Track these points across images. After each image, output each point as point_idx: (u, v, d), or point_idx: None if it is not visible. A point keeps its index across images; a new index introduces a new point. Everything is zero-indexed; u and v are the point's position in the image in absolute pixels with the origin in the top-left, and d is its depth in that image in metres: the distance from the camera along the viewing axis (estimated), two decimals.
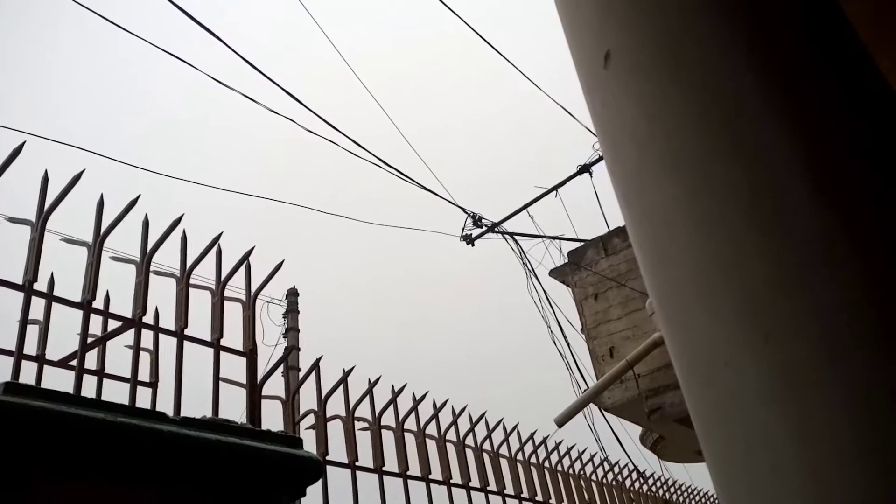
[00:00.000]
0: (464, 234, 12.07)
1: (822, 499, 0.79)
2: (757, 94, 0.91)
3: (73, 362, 2.14)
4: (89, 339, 2.14)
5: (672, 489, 6.76)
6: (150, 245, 2.26)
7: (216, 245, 2.46)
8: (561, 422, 7.92)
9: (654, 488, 6.30)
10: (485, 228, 11.94)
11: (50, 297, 2.05)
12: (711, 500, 7.84)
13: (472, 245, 12.24)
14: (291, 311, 13.07)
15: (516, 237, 11.83)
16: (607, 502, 5.17)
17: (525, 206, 11.90)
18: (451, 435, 3.57)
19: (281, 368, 2.86)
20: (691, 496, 7.26)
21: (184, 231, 2.36)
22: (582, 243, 10.40)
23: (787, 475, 0.80)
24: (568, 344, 10.29)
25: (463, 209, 11.89)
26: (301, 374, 2.86)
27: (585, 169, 11.39)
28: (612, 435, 9.26)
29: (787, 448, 0.81)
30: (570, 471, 4.78)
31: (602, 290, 9.42)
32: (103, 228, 2.12)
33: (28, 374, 2.06)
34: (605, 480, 5.29)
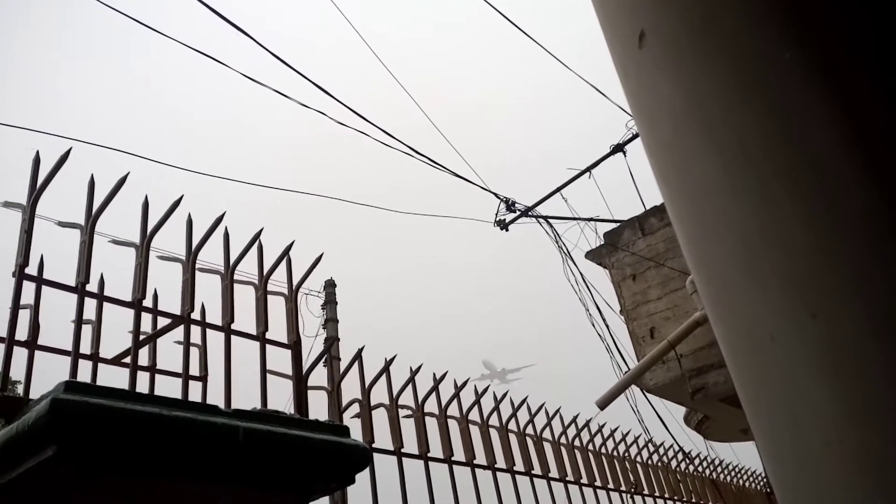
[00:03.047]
0: (497, 219, 12.03)
1: (875, 477, 0.78)
2: (797, 67, 0.90)
3: (127, 359, 2.21)
4: (141, 337, 2.21)
5: (719, 469, 6.69)
6: (195, 243, 2.31)
7: (257, 241, 2.51)
8: (603, 404, 7.88)
9: (699, 469, 6.24)
10: (518, 213, 11.89)
11: (101, 298, 2.12)
12: (759, 478, 7.73)
13: (507, 230, 12.21)
14: (330, 302, 13.25)
15: (551, 220, 11.76)
16: (653, 484, 5.15)
17: (558, 189, 11.80)
18: (494, 420, 3.59)
19: (323, 359, 2.91)
20: (738, 475, 7.17)
21: (226, 229, 2.41)
22: (618, 224, 10.29)
23: (839, 453, 0.80)
24: (607, 326, 10.22)
25: (496, 194, 11.85)
26: (342, 364, 2.91)
27: (619, 148, 11.24)
28: (655, 416, 9.19)
29: (838, 426, 0.80)
30: (615, 453, 4.77)
31: (640, 271, 9.31)
32: (149, 229, 2.18)
33: (83, 371, 2.14)
34: (649, 462, 5.26)
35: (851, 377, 0.82)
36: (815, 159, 0.84)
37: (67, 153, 1.91)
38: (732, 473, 7.03)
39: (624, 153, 11.25)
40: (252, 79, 7.35)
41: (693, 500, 5.73)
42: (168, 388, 2.38)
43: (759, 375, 0.98)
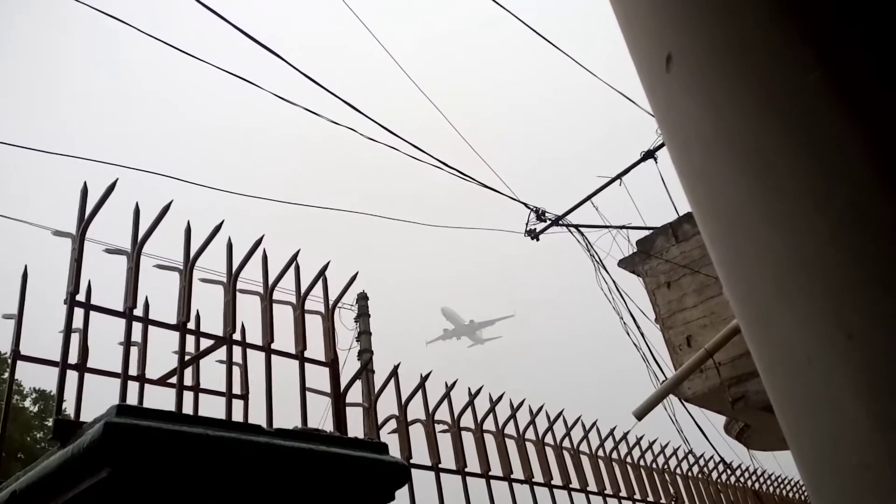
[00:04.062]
0: (528, 229, 12.01)
1: None
2: (825, 89, 0.91)
3: (172, 380, 2.28)
4: (186, 358, 2.28)
5: (761, 479, 6.55)
6: (235, 266, 2.38)
7: (295, 262, 2.57)
8: (640, 414, 7.79)
9: (742, 479, 6.12)
10: (549, 222, 11.86)
11: (147, 321, 2.19)
12: (803, 488, 7.55)
13: (537, 240, 12.18)
14: (363, 315, 13.35)
15: (582, 229, 11.69)
16: (693, 496, 5.07)
17: (589, 197, 11.74)
18: (530, 434, 3.59)
19: (360, 375, 2.96)
20: (782, 485, 7.01)
21: (264, 251, 2.47)
22: (651, 231, 10.19)
23: (877, 473, 0.80)
24: (642, 334, 10.11)
25: (525, 204, 11.84)
26: (375, 377, 2.95)
27: (650, 155, 11.15)
28: (694, 426, 9.05)
29: (876, 445, 0.81)
30: (654, 465, 4.72)
31: (675, 278, 9.20)
32: (191, 254, 2.25)
33: (131, 391, 2.21)
34: (689, 473, 5.19)
35: (888, 397, 0.83)
36: (847, 182, 0.85)
37: (114, 184, 1.99)
38: (776, 483, 6.88)
39: (655, 159, 11.16)
40: (284, 98, 7.51)
41: None
42: (212, 406, 2.46)
43: (796, 395, 0.99)
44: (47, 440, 1.82)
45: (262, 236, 2.42)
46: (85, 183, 2.04)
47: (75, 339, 2.03)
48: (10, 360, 2.03)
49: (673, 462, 5.01)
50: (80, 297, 1.99)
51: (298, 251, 2.56)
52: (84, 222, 1.98)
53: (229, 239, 2.40)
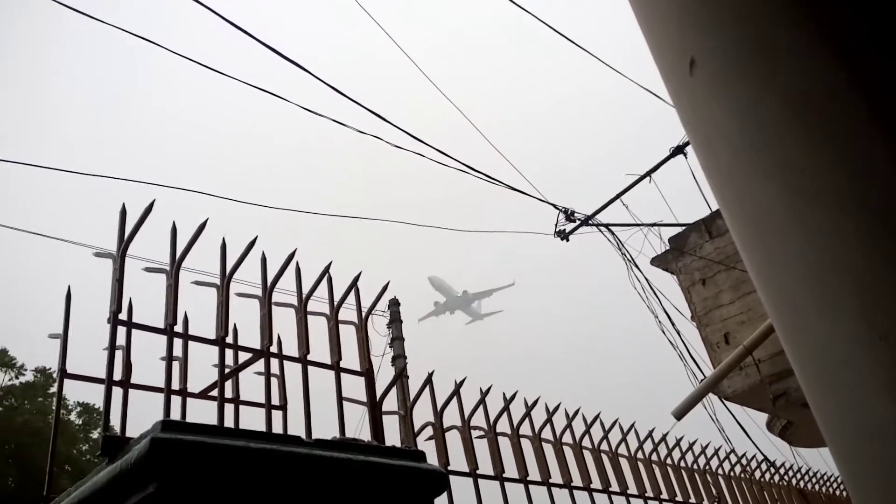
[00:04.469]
0: (557, 230, 11.94)
1: None
2: (851, 90, 0.90)
3: (213, 392, 2.34)
4: (225, 371, 2.33)
5: (806, 477, 6.41)
6: (270, 280, 2.43)
7: (327, 273, 2.61)
8: (679, 414, 7.68)
9: (786, 478, 6.00)
10: (578, 222, 11.78)
11: (187, 337, 2.25)
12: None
13: (567, 240, 12.11)
14: (395, 321, 13.40)
15: (612, 228, 11.59)
16: (736, 496, 4.98)
17: (618, 196, 11.64)
18: (567, 438, 3.58)
19: (396, 383, 2.98)
20: (828, 483, 6.85)
21: (297, 264, 2.52)
22: (683, 228, 10.05)
23: None
24: (678, 333, 9.98)
25: (554, 205, 11.79)
26: (409, 382, 2.97)
27: (679, 150, 11.01)
28: (736, 425, 8.89)
29: None
30: (695, 466, 4.65)
31: (710, 275, 9.06)
32: (228, 269, 2.30)
33: (173, 405, 2.27)
34: (732, 473, 5.10)
35: None
36: (875, 184, 0.85)
37: (151, 205, 2.05)
38: (822, 481, 6.72)
39: (685, 155, 11.01)
40: (311, 111, 7.61)
41: None
42: (252, 418, 2.51)
43: (832, 396, 0.98)
44: (96, 456, 1.88)
45: (295, 250, 2.46)
46: (123, 204, 2.10)
47: (117, 355, 2.09)
48: (57, 379, 2.10)
49: (715, 462, 4.93)
50: (122, 315, 2.05)
51: (330, 263, 2.60)
52: (124, 243, 2.04)
53: (263, 253, 2.45)
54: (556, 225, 11.71)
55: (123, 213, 2.08)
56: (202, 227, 2.18)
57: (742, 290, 8.50)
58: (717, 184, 1.24)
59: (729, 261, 8.76)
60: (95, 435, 21.72)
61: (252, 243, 2.31)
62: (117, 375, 2.05)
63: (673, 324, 9.88)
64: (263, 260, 2.45)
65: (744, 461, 5.34)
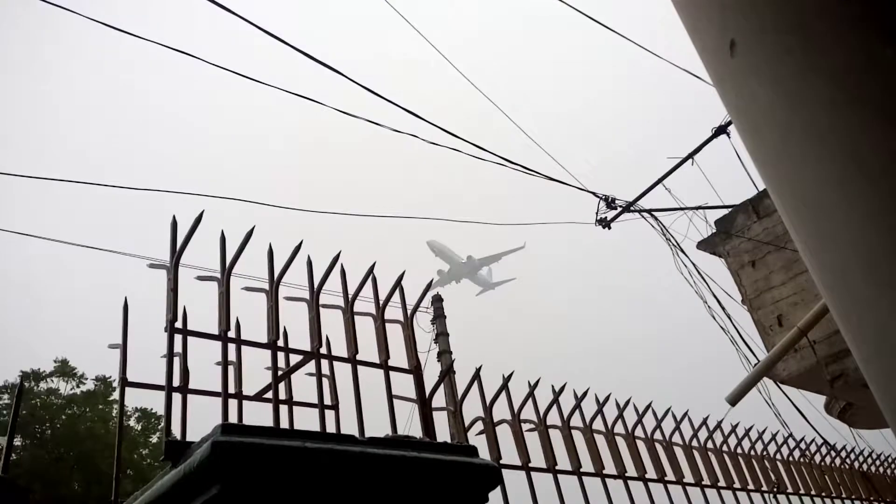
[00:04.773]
0: (598, 218, 11.79)
1: None
2: None
3: (267, 395, 2.39)
4: (278, 373, 2.38)
5: (869, 459, 6.20)
6: (317, 283, 2.47)
7: (371, 273, 2.64)
8: (734, 400, 7.52)
9: (848, 461, 5.82)
10: (619, 210, 11.61)
11: (240, 342, 2.31)
12: None
13: (609, 228, 11.94)
14: (439, 317, 13.44)
15: (655, 213, 11.39)
16: (796, 481, 4.86)
17: (660, 180, 11.42)
18: (619, 428, 3.55)
19: (444, 379, 3.00)
20: (893, 465, 6.62)
21: (342, 265, 2.55)
22: (729, 209, 9.82)
23: None
24: (729, 317, 9.76)
25: (594, 193, 11.64)
26: (456, 377, 2.98)
27: (722, 130, 10.74)
28: (792, 408, 8.67)
29: None
30: (752, 452, 4.56)
31: (759, 256, 8.84)
32: (276, 274, 2.35)
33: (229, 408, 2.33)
34: (791, 459, 4.98)
35: None
36: None
37: (201, 215, 2.11)
38: (886, 464, 6.50)
39: (727, 134, 10.74)
40: (347, 113, 7.69)
41: (842, 496, 5.35)
42: (305, 417, 2.56)
43: (892, 377, 0.96)
44: (159, 460, 1.94)
45: (339, 253, 2.50)
46: (174, 217, 2.16)
47: (175, 362, 2.16)
48: (118, 387, 2.18)
49: (772, 448, 4.82)
50: (178, 323, 2.12)
51: (374, 264, 2.63)
52: (176, 254, 2.10)
53: (308, 257, 2.49)
54: (596, 213, 11.56)
55: (174, 225, 2.14)
56: (249, 234, 2.23)
57: (794, 271, 8.27)
58: (765, 166, 1.21)
59: (779, 241, 8.53)
60: (154, 439, 22.43)
61: (298, 248, 2.35)
62: (175, 382, 2.11)
63: (723, 308, 9.66)
64: (309, 263, 2.50)
65: (802, 445, 5.21)
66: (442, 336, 13.25)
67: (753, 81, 1.14)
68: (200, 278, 2.35)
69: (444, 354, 12.76)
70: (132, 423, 22.49)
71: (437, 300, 13.73)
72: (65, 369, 22.29)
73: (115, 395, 21.81)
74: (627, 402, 3.60)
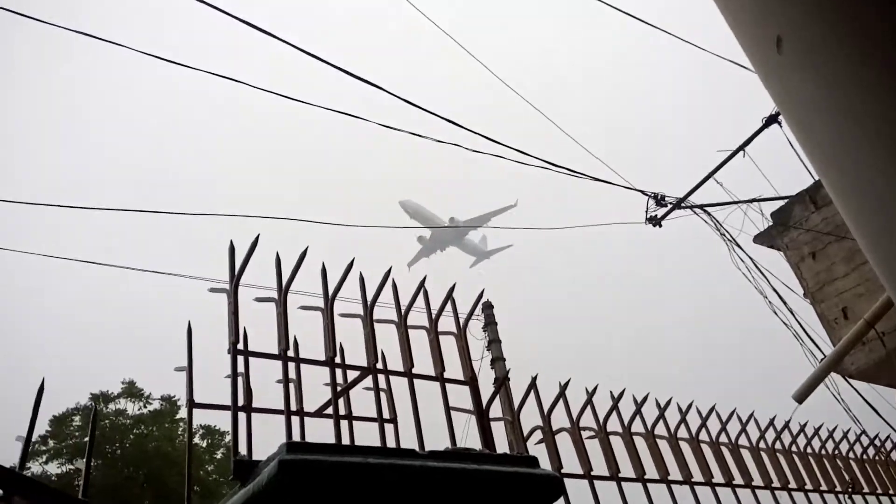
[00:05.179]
0: (648, 216, 11.57)
1: None
2: None
3: (327, 410, 2.44)
4: (336, 389, 2.42)
5: None
6: (370, 299, 2.51)
7: (422, 288, 2.66)
8: (800, 397, 7.25)
9: None
10: (670, 206, 11.38)
11: (299, 360, 2.36)
12: None
13: (660, 226, 11.71)
14: (490, 324, 13.38)
15: (707, 208, 11.12)
16: (872, 480, 4.65)
17: (711, 174, 11.14)
18: (682, 432, 3.47)
19: (500, 389, 3.00)
20: None
21: (393, 282, 2.59)
22: (785, 200, 9.51)
23: None
24: (791, 312, 9.44)
25: (642, 192, 11.45)
26: (510, 385, 2.96)
27: (773, 120, 10.43)
28: (864, 404, 8.31)
29: None
30: (822, 452, 4.39)
31: (819, 248, 8.53)
32: (330, 292, 2.40)
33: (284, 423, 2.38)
34: (865, 457, 4.77)
35: None
36: None
37: (256, 240, 2.18)
38: None
39: (779, 123, 10.41)
40: (390, 126, 7.79)
41: None
42: (364, 432, 2.59)
43: None
44: (228, 479, 2.01)
45: (390, 268, 2.53)
46: (231, 242, 2.23)
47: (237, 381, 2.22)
48: (186, 408, 2.26)
49: (844, 446, 4.63)
50: (239, 345, 2.18)
51: (425, 278, 2.65)
52: (235, 278, 2.17)
53: (360, 275, 2.53)
54: (646, 211, 11.35)
55: (232, 250, 2.21)
56: (303, 255, 2.28)
57: (857, 261, 7.94)
58: (818, 159, 1.19)
59: (839, 231, 8.21)
60: (219, 455, 22.99)
61: (350, 266, 2.39)
62: (238, 401, 2.17)
63: (784, 302, 9.35)
64: (361, 281, 2.54)
65: (877, 442, 4.99)
66: (494, 343, 13.20)
67: (803, 76, 1.12)
68: (259, 300, 2.42)
69: (498, 361, 12.70)
70: (197, 440, 23.12)
71: (488, 307, 13.70)
72: (132, 390, 23.10)
73: (181, 414, 22.50)
74: (690, 406, 3.52)
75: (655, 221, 11.57)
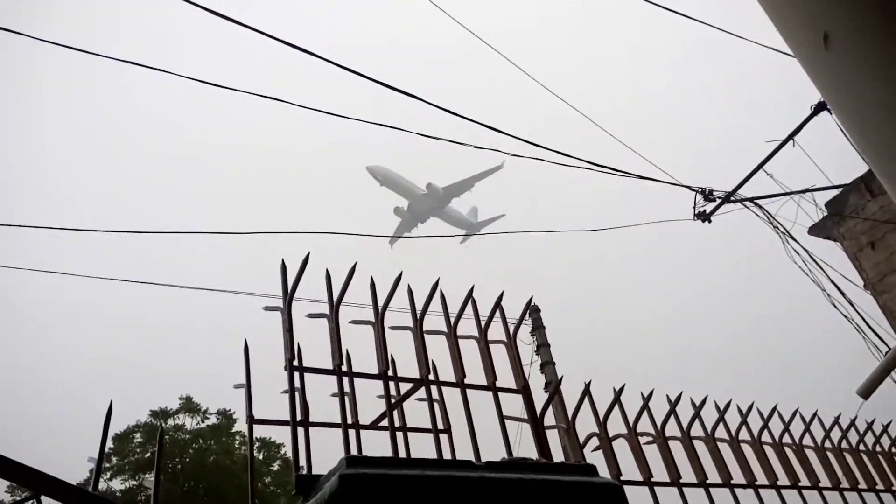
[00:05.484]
0: (696, 212, 11.33)
1: None
2: None
3: (382, 422, 2.47)
4: (390, 402, 2.45)
5: None
6: (419, 311, 2.53)
7: (471, 297, 2.67)
8: (865, 392, 6.95)
9: None
10: (718, 201, 11.12)
11: (353, 374, 2.40)
12: None
13: (709, 221, 11.46)
14: (538, 328, 13.29)
15: (757, 201, 10.84)
16: None
17: (760, 165, 10.84)
18: (744, 434, 3.38)
19: (554, 397, 2.98)
20: None
21: (441, 293, 2.60)
22: (839, 190, 9.20)
23: None
24: (851, 304, 9.11)
25: (689, 187, 11.23)
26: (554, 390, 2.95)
27: (822, 107, 10.11)
28: None
29: None
30: (893, 450, 4.21)
31: (878, 237, 8.23)
32: (380, 306, 2.43)
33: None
34: None
35: None
36: None
37: (307, 258, 2.22)
38: None
39: (829, 110, 10.08)
40: (431, 136, 7.85)
41: None
42: (417, 442, 2.61)
43: None
44: (291, 494, 2.05)
45: (438, 279, 2.55)
46: (283, 261, 2.29)
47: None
48: (247, 425, 2.32)
49: None
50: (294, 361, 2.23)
51: (473, 287, 2.66)
52: (288, 296, 2.22)
53: (409, 287, 2.56)
54: (694, 207, 11.11)
55: (284, 269, 2.26)
56: (352, 271, 2.32)
57: None
58: (869, 151, 1.16)
59: None
60: (275, 467, 23.40)
61: (398, 280, 2.42)
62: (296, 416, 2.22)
63: (843, 294, 9.02)
64: (410, 293, 2.56)
65: None
66: (543, 347, 13.09)
67: (852, 72, 1.10)
68: (311, 316, 2.47)
69: (548, 366, 12.60)
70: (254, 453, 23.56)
71: (535, 311, 13.61)
72: (189, 405, 23.71)
73: (237, 427, 22.99)
74: (750, 407, 3.43)
75: (704, 217, 11.32)
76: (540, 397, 2.89)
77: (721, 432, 3.27)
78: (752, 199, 10.82)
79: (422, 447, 2.58)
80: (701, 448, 3.13)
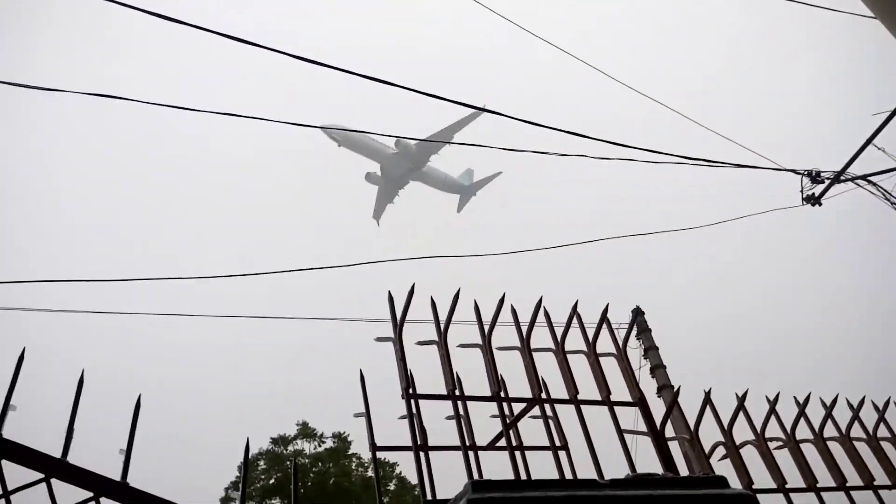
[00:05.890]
0: (805, 196, 10.70)
1: None
2: None
3: (500, 442, 2.49)
4: (506, 422, 2.47)
5: None
6: (525, 331, 2.55)
7: (575, 312, 2.66)
8: None
9: None
10: (828, 182, 10.46)
11: (466, 398, 2.44)
12: None
13: (820, 205, 10.79)
14: (643, 331, 12.92)
15: (870, 179, 10.10)
16: None
17: (870, 139, 10.12)
18: (882, 431, 3.14)
19: (672, 409, 2.90)
20: None
21: (545, 310, 2.61)
22: None
23: None
24: None
25: (794, 171, 10.64)
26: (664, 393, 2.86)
27: None
28: None
29: None
30: None
31: None
32: (486, 329, 2.47)
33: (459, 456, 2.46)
34: None
35: None
36: None
37: (412, 289, 2.30)
38: None
39: None
40: (510, 149, 7.87)
41: None
42: (536, 461, 2.61)
43: None
44: None
45: (541, 297, 2.56)
46: (389, 293, 2.37)
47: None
48: (371, 452, 2.40)
49: None
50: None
51: (577, 302, 2.65)
52: (398, 326, 2.30)
53: (512, 307, 2.58)
54: (801, 191, 10.49)
55: (391, 300, 2.35)
56: (457, 296, 2.37)
57: None
58: None
59: None
60: (392, 487, 23.85)
61: (501, 301, 2.45)
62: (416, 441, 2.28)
63: None
64: (514, 313, 2.58)
65: None
66: (651, 350, 12.71)
67: None
68: (420, 343, 2.54)
69: (658, 370, 12.20)
70: (370, 473, 24.12)
71: (639, 313, 13.26)
72: (306, 431, 24.62)
73: (352, 449, 23.67)
74: (887, 403, 3.19)
75: (814, 200, 10.68)
76: (654, 403, 2.81)
77: (857, 431, 3.06)
78: (863, 177, 10.12)
79: (539, 465, 2.58)
80: (836, 449, 2.94)
